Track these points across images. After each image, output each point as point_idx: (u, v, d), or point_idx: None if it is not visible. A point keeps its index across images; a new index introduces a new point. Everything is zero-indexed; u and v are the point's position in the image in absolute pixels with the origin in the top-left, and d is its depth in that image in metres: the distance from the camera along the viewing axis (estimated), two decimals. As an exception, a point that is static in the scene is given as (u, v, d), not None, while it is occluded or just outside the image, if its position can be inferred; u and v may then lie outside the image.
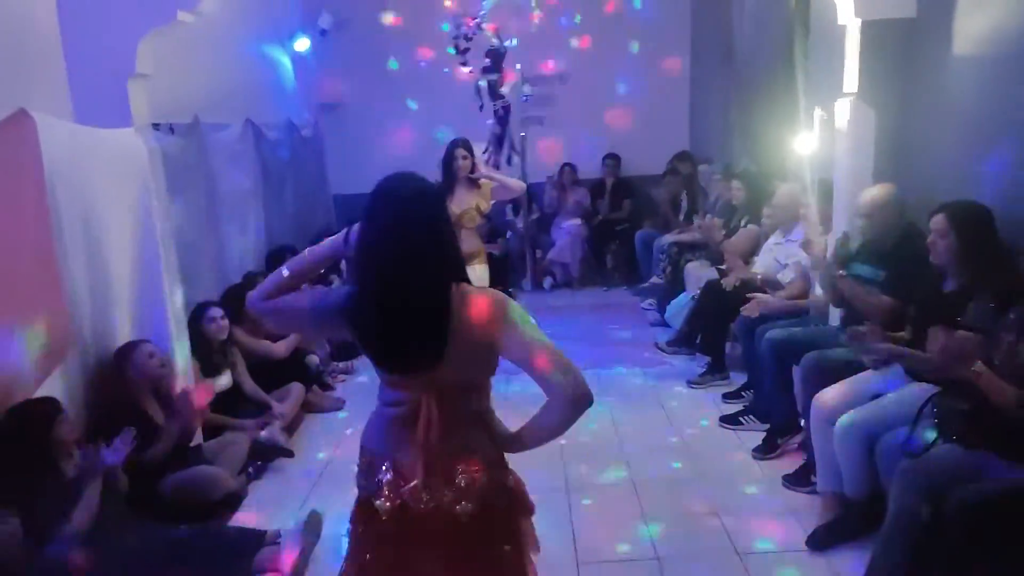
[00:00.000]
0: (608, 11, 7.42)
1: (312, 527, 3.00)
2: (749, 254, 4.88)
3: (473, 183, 4.15)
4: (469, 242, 4.00)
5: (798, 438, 3.54)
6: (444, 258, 1.59)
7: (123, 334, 3.33)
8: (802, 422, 3.42)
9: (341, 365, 5.17)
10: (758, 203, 4.91)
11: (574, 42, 7.50)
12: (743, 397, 4.22)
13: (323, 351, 4.99)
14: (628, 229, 7.27)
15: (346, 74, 7.48)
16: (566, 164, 7.50)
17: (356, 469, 1.74)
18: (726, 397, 4.30)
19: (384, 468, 1.65)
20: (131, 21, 3.30)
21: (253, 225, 5.38)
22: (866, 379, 2.94)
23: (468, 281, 1.63)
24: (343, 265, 5.49)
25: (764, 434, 3.66)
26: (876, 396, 2.85)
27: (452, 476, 1.62)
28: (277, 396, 4.19)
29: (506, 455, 1.74)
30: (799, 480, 3.25)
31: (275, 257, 5.25)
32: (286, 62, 6.93)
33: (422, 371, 1.59)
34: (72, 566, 2.32)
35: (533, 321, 1.57)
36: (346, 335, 1.65)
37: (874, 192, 3.25)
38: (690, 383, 4.57)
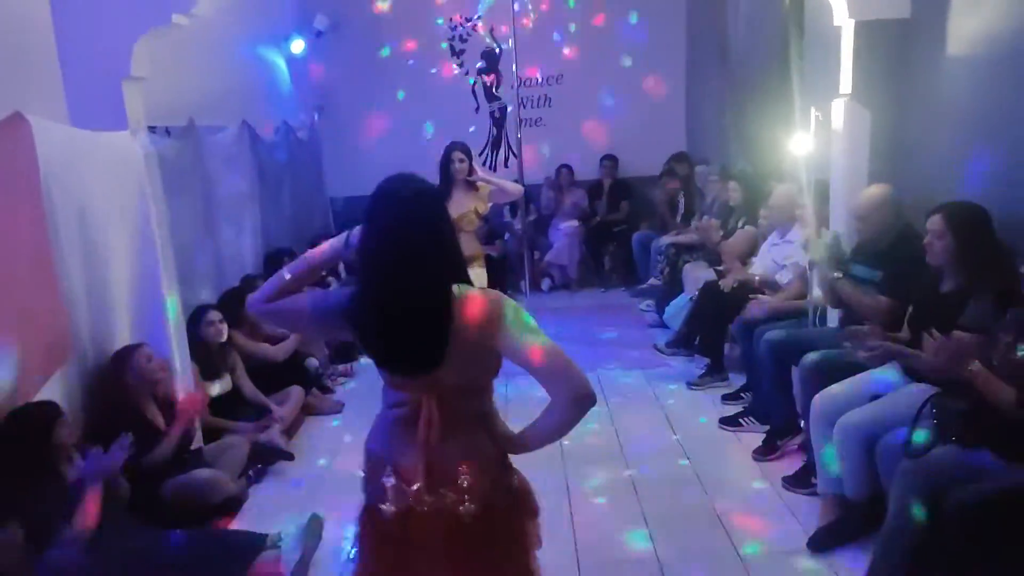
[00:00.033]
0: (602, 16, 7.43)
1: (313, 531, 2.99)
2: (747, 255, 4.89)
3: (471, 186, 4.15)
4: (467, 245, 3.99)
5: (798, 439, 3.54)
6: (444, 259, 1.59)
7: (121, 337, 3.32)
8: (802, 423, 3.42)
9: (341, 368, 5.17)
10: (755, 204, 4.92)
11: (569, 45, 7.51)
12: (742, 398, 4.21)
13: (322, 354, 4.99)
14: (626, 230, 7.27)
15: (342, 76, 7.48)
16: (563, 165, 7.51)
17: (361, 474, 1.75)
18: (725, 399, 4.30)
19: (387, 472, 1.66)
20: (126, 23, 3.30)
21: (250, 228, 5.37)
22: (865, 380, 2.94)
23: (470, 283, 1.63)
24: (341, 268, 5.50)
25: (764, 435, 3.66)
26: (875, 397, 2.85)
27: (454, 477, 1.62)
28: (277, 399, 4.19)
29: (511, 456, 1.74)
30: (799, 481, 3.26)
31: (272, 260, 5.25)
32: (282, 64, 6.92)
33: (423, 372, 1.59)
34: (73, 570, 2.31)
35: (534, 321, 1.57)
36: (347, 336, 1.66)
37: (870, 193, 3.25)
38: (689, 384, 4.57)
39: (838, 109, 3.60)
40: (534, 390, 1.57)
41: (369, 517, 1.72)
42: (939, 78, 3.26)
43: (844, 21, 3.47)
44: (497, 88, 7.67)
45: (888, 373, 2.91)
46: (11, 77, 2.95)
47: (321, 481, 3.67)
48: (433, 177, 4.08)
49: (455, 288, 1.57)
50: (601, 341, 5.55)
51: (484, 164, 7.55)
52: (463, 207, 4.06)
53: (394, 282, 1.55)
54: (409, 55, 7.52)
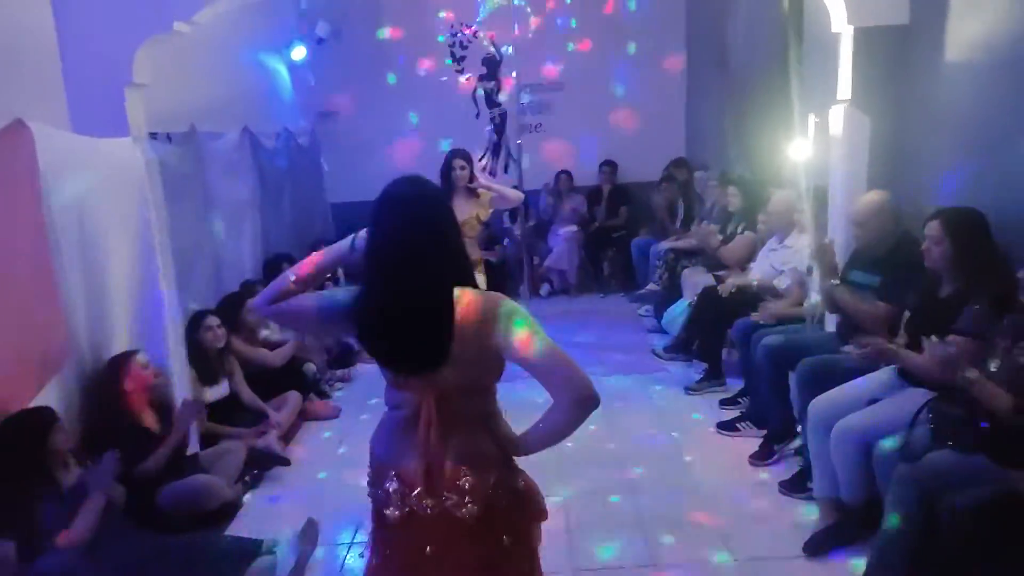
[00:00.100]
0: (604, 14, 7.45)
1: (309, 536, 2.99)
2: (746, 261, 4.90)
3: (472, 192, 4.16)
4: (468, 251, 4.00)
5: (795, 444, 3.54)
6: (449, 260, 1.60)
7: (120, 343, 3.33)
8: (799, 428, 3.43)
9: (339, 373, 5.17)
10: (754, 209, 4.93)
11: (570, 49, 7.54)
12: (740, 403, 4.22)
13: (320, 360, 4.99)
14: (625, 236, 7.28)
15: (343, 82, 7.51)
16: (562, 171, 7.53)
17: (366, 478, 1.76)
18: (723, 403, 4.30)
19: (390, 477, 1.67)
20: (128, 31, 3.32)
21: (250, 234, 5.39)
22: (862, 385, 2.94)
23: (475, 285, 1.63)
24: (340, 272, 5.50)
25: (761, 440, 3.66)
26: (872, 401, 2.84)
27: (455, 479, 1.62)
28: (274, 405, 4.19)
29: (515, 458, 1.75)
30: (796, 486, 3.25)
31: (272, 265, 5.26)
32: (283, 71, 6.95)
33: (426, 372, 1.60)
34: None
35: (537, 324, 1.57)
36: (352, 337, 1.66)
37: (868, 199, 3.26)
38: (687, 389, 4.57)
39: (837, 115, 3.61)
40: (538, 394, 1.57)
41: (377, 520, 1.74)
42: (938, 84, 3.27)
43: (843, 27, 3.49)
44: (497, 95, 7.70)
45: (884, 378, 2.91)
46: (13, 83, 2.96)
47: (317, 486, 3.67)
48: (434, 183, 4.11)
49: (458, 289, 1.58)
50: (599, 346, 5.55)
51: (484, 170, 7.57)
52: (465, 214, 4.07)
53: (398, 283, 1.56)
54: (409, 60, 7.54)
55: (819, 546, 2.83)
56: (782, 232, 4.45)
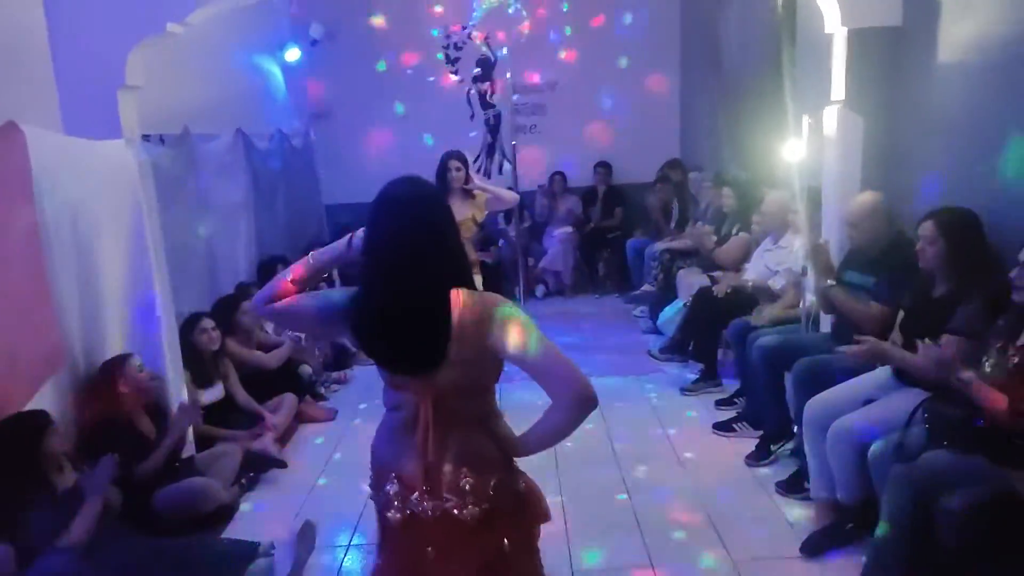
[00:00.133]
0: (598, 19, 7.47)
1: (306, 538, 2.98)
2: (740, 261, 4.90)
3: (468, 194, 4.17)
4: None
5: (791, 444, 3.54)
6: (446, 260, 1.60)
7: (114, 346, 3.31)
8: (795, 428, 3.43)
9: (334, 375, 5.16)
10: (748, 210, 4.94)
11: (564, 52, 7.55)
12: (736, 404, 4.22)
13: (316, 361, 4.98)
14: (620, 237, 7.29)
15: (337, 84, 7.49)
16: (556, 172, 7.54)
17: (368, 482, 1.76)
18: (719, 404, 4.31)
19: (390, 480, 1.67)
20: (120, 32, 3.30)
21: (244, 235, 5.37)
22: (858, 385, 2.95)
23: (473, 287, 1.63)
24: (335, 274, 5.50)
25: (757, 441, 3.67)
26: (868, 402, 2.86)
27: (455, 481, 1.62)
28: (270, 407, 4.18)
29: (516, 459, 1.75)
30: (792, 486, 3.26)
31: (267, 267, 5.25)
32: (276, 72, 6.93)
33: (424, 372, 1.59)
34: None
35: (535, 325, 1.57)
36: (348, 336, 1.66)
37: (861, 200, 3.27)
38: (683, 390, 4.58)
39: (830, 116, 3.62)
40: (538, 398, 1.57)
41: (380, 523, 1.74)
42: (930, 85, 3.28)
43: (836, 29, 3.50)
44: (492, 95, 7.70)
45: (879, 378, 2.92)
46: (5, 86, 2.95)
47: (314, 489, 3.66)
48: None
49: (456, 291, 1.58)
50: (595, 347, 5.55)
51: (479, 171, 7.57)
52: (460, 215, 4.07)
53: (396, 282, 1.56)
54: (404, 63, 7.54)
55: (816, 546, 2.83)
56: (776, 233, 4.46)
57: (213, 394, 3.93)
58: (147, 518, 3.00)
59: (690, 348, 4.93)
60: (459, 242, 1.66)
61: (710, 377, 4.59)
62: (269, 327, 4.74)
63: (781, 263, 4.33)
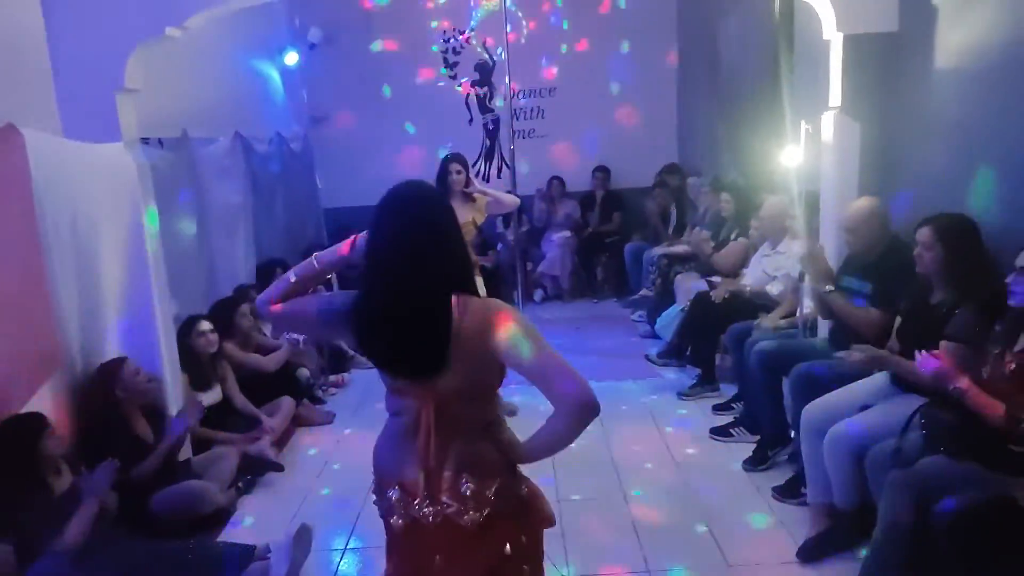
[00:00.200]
0: (597, 21, 7.47)
1: (302, 541, 2.97)
2: (739, 267, 4.91)
3: (468, 197, 4.17)
4: None
5: (788, 450, 3.54)
6: (449, 263, 1.60)
7: (111, 349, 3.31)
8: (792, 434, 3.43)
9: (332, 378, 5.15)
10: (746, 215, 4.96)
11: (563, 56, 7.57)
12: (733, 409, 4.23)
13: (314, 365, 4.98)
14: (618, 241, 7.30)
15: (335, 88, 7.51)
16: (554, 177, 7.54)
17: (371, 487, 1.76)
18: (716, 409, 4.31)
19: (393, 486, 1.67)
20: (119, 36, 3.30)
21: (243, 239, 5.37)
22: (855, 390, 2.96)
23: (476, 292, 1.63)
24: (333, 277, 5.50)
25: (754, 446, 3.67)
26: (865, 407, 2.86)
27: (456, 486, 1.62)
28: (267, 410, 4.18)
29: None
30: (789, 492, 3.26)
31: (266, 270, 5.25)
32: (275, 76, 6.94)
33: (425, 376, 1.59)
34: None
35: (537, 331, 1.57)
36: (350, 339, 1.67)
37: (858, 205, 3.27)
38: (680, 395, 4.58)
39: (827, 122, 3.63)
40: (541, 402, 1.57)
41: (386, 529, 1.74)
42: (927, 91, 3.29)
43: (833, 35, 3.51)
44: (490, 100, 7.72)
45: (878, 383, 2.92)
46: (4, 89, 2.95)
47: (311, 492, 3.66)
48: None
49: (458, 295, 1.58)
50: (593, 351, 5.55)
51: (478, 175, 7.58)
52: (461, 218, 4.01)
53: (397, 283, 1.56)
54: (402, 67, 7.55)
55: (813, 552, 2.83)
56: (774, 238, 4.47)
57: (211, 397, 3.93)
58: (144, 520, 2.99)
59: (688, 353, 4.93)
60: (462, 244, 1.67)
61: (708, 382, 4.59)
62: (267, 330, 4.74)
63: (779, 268, 4.34)
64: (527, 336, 1.54)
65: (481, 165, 7.77)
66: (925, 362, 2.32)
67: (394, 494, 1.66)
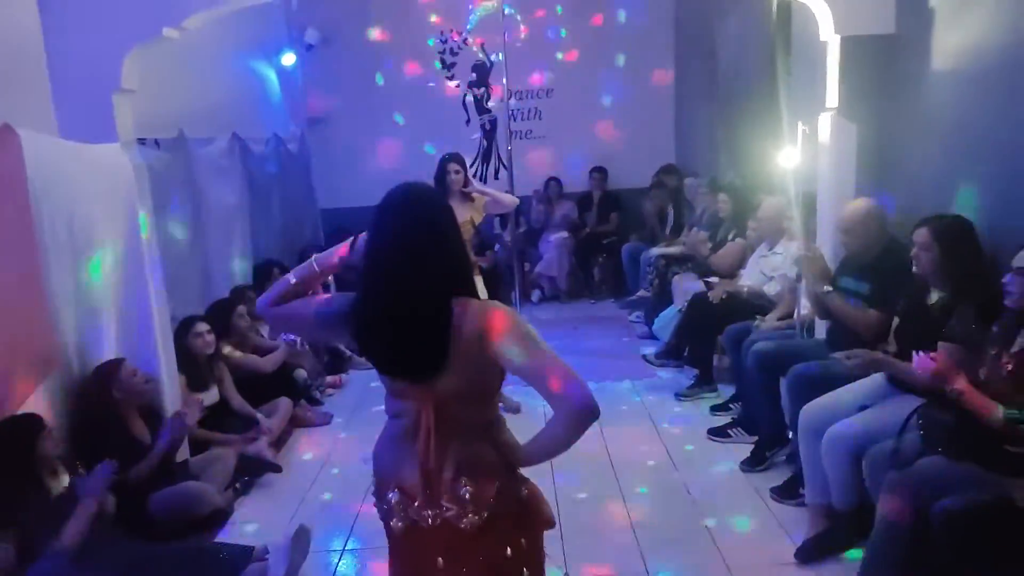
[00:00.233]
0: (594, 25, 7.49)
1: (300, 542, 2.97)
2: (736, 267, 4.92)
3: (466, 197, 4.17)
4: None
5: (786, 450, 3.55)
6: (448, 265, 1.60)
7: (108, 350, 3.30)
8: (790, 434, 3.44)
9: (329, 379, 5.15)
10: (744, 216, 4.96)
11: (560, 56, 7.57)
12: (731, 409, 4.23)
13: (311, 366, 4.97)
14: (615, 242, 7.30)
15: (332, 89, 7.50)
16: (552, 178, 7.55)
17: (372, 490, 1.76)
18: (714, 409, 4.31)
19: (392, 488, 1.66)
20: (116, 36, 3.30)
21: (240, 239, 5.36)
22: (853, 391, 2.96)
23: (475, 294, 1.62)
24: (331, 279, 5.49)
25: (752, 446, 3.67)
26: (863, 408, 2.86)
27: (455, 489, 1.61)
28: (265, 411, 4.17)
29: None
30: (787, 492, 3.26)
31: (263, 271, 5.24)
32: (272, 77, 6.93)
33: (424, 378, 1.59)
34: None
35: (537, 334, 1.57)
36: (349, 340, 1.66)
37: (854, 206, 3.28)
38: (678, 395, 4.58)
39: (824, 123, 3.64)
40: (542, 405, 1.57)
41: (386, 531, 1.74)
42: (924, 92, 3.30)
43: (830, 36, 3.52)
44: (488, 101, 7.72)
45: (874, 384, 2.92)
46: (0, 89, 2.94)
47: (308, 493, 3.65)
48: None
49: (458, 297, 1.57)
50: (590, 352, 5.55)
51: (475, 175, 7.58)
52: (459, 217, 4.05)
53: (397, 283, 1.56)
54: (400, 68, 7.55)
55: (811, 553, 2.83)
56: (772, 239, 4.47)
57: (208, 398, 3.92)
58: (141, 522, 2.98)
59: (685, 353, 4.94)
60: (461, 245, 1.67)
61: (705, 382, 4.59)
62: (264, 331, 4.74)
63: (776, 269, 4.34)
64: (527, 339, 1.53)
65: (478, 166, 7.77)
66: (922, 363, 2.33)
67: (394, 497, 1.66)
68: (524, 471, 1.75)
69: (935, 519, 2.20)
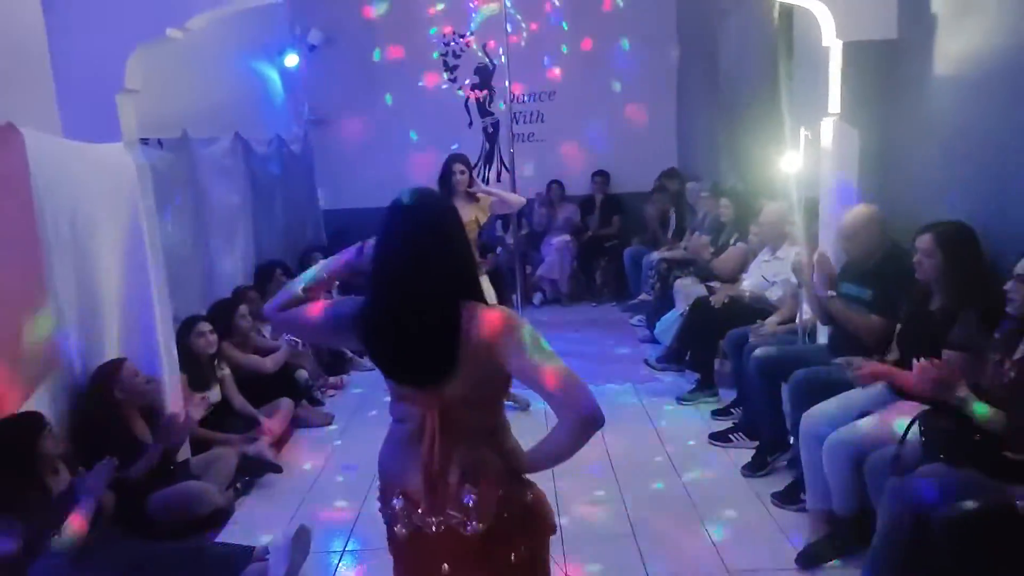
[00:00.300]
0: (598, 17, 7.47)
1: (301, 543, 2.96)
2: (738, 272, 4.92)
3: (471, 197, 4.18)
4: None
5: (787, 456, 3.54)
6: (455, 270, 1.60)
7: (110, 349, 3.31)
8: (791, 439, 3.43)
9: (331, 380, 5.15)
10: (746, 220, 4.96)
11: (561, 60, 7.58)
12: (732, 414, 4.22)
13: (312, 366, 4.97)
14: (617, 246, 7.31)
15: (335, 90, 7.51)
16: (554, 181, 7.55)
17: (377, 494, 1.76)
18: (715, 414, 4.31)
19: (396, 495, 1.66)
20: (120, 36, 3.31)
21: (242, 240, 5.37)
22: (854, 397, 2.95)
23: (483, 299, 1.62)
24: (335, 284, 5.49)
25: (753, 451, 3.67)
26: (864, 414, 2.86)
27: (459, 496, 1.61)
28: (266, 411, 4.17)
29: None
30: (788, 498, 3.26)
31: (264, 271, 5.24)
32: (275, 77, 6.95)
33: (431, 383, 1.59)
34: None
35: (544, 340, 1.56)
36: (355, 345, 1.67)
37: (855, 212, 3.28)
38: (679, 400, 4.58)
39: (827, 128, 3.64)
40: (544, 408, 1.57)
41: (389, 537, 1.74)
42: (926, 98, 3.30)
43: (832, 42, 3.52)
44: (490, 103, 7.73)
45: (876, 390, 2.92)
46: (4, 88, 2.94)
47: (309, 494, 3.65)
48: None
49: (466, 303, 1.57)
50: (592, 356, 5.55)
51: (477, 177, 7.59)
52: (464, 217, 4.06)
53: (404, 286, 1.56)
54: (402, 70, 7.56)
55: (812, 558, 2.83)
56: (774, 244, 4.47)
57: (209, 398, 3.92)
58: (141, 521, 2.98)
59: (687, 358, 4.93)
60: (468, 247, 1.66)
61: (707, 387, 4.59)
62: (266, 331, 4.74)
63: (778, 274, 4.34)
64: (534, 346, 1.53)
65: (481, 168, 7.78)
66: (924, 372, 2.32)
67: (398, 503, 1.65)
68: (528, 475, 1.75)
69: (936, 525, 2.20)
